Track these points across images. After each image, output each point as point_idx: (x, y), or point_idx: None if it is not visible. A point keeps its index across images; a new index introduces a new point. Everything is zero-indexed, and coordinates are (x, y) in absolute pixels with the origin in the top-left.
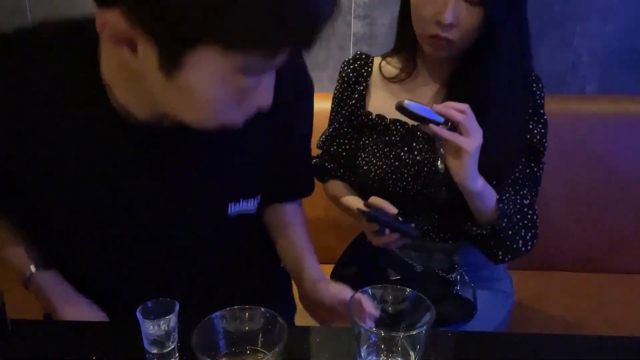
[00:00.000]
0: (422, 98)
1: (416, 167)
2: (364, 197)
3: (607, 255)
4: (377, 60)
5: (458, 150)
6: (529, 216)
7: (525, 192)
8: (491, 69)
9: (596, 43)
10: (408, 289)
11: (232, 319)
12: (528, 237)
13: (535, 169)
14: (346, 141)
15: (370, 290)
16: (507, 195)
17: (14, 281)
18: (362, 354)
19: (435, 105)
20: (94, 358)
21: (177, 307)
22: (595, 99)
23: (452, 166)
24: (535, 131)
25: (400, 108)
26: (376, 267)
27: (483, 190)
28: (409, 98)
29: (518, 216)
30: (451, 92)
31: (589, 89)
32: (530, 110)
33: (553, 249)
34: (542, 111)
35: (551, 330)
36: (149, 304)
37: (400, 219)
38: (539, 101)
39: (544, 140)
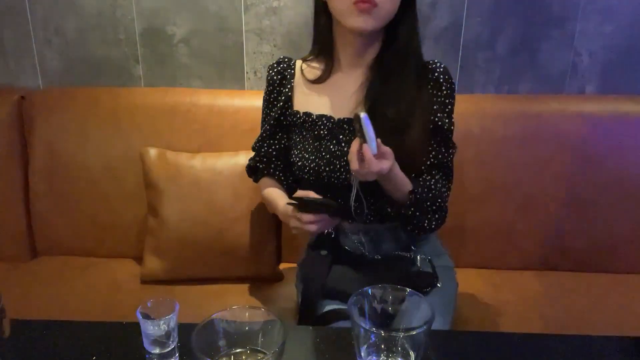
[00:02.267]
0: (344, 92)
1: (345, 158)
2: (302, 188)
3: (607, 255)
4: (298, 62)
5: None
6: (438, 202)
7: (438, 177)
8: (406, 47)
9: (596, 43)
10: (408, 289)
11: (232, 319)
12: (434, 219)
13: (446, 154)
14: (276, 141)
15: (370, 290)
16: (420, 187)
17: (14, 281)
18: (362, 354)
19: (379, 140)
20: (94, 358)
21: (177, 307)
22: (595, 99)
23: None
24: (445, 119)
25: (356, 118)
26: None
27: (394, 187)
28: (327, 98)
29: (428, 202)
30: (369, 87)
31: (589, 89)
32: (437, 102)
33: (553, 249)
34: (449, 106)
35: (551, 330)
36: (149, 304)
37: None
38: (445, 94)
39: (450, 128)
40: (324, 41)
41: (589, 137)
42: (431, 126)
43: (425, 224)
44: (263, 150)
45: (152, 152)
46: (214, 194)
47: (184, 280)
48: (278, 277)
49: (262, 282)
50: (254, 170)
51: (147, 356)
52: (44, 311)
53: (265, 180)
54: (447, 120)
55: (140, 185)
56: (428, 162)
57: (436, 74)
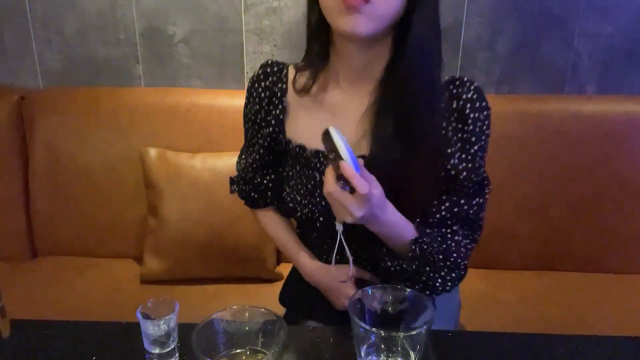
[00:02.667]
0: (345, 121)
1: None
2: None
3: (607, 255)
4: (291, 71)
5: (339, 212)
6: (452, 258)
7: (455, 228)
8: (416, 60)
9: (596, 43)
10: (408, 289)
11: (232, 319)
12: (448, 278)
13: (466, 207)
14: (271, 171)
15: (370, 290)
16: (427, 237)
17: (14, 281)
18: (362, 354)
19: (361, 160)
20: (94, 358)
21: (177, 307)
22: (595, 99)
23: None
24: (462, 165)
25: (325, 135)
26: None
27: (388, 232)
28: (334, 125)
29: (440, 256)
30: (374, 109)
31: (589, 89)
32: (460, 139)
33: (553, 249)
34: (475, 146)
35: (551, 330)
36: (149, 304)
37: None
38: (470, 130)
39: (470, 177)
40: (319, 51)
41: (589, 137)
42: (443, 173)
43: (438, 284)
44: (256, 180)
45: (152, 152)
46: (214, 194)
47: (184, 280)
48: (278, 277)
49: (262, 282)
50: (246, 197)
51: (147, 356)
52: (44, 311)
53: (267, 215)
54: (468, 166)
55: (140, 185)
56: (438, 215)
57: (461, 103)
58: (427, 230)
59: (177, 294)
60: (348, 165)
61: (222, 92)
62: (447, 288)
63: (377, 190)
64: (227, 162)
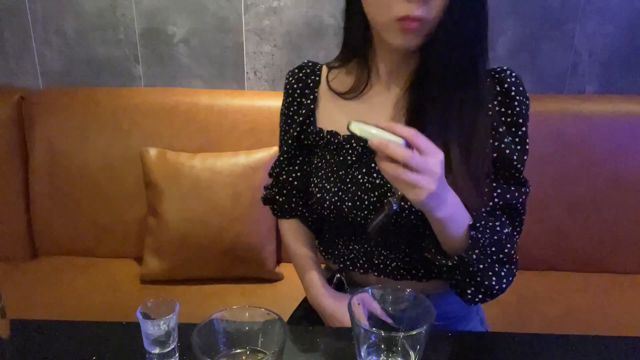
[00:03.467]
0: (380, 109)
1: (377, 192)
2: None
3: (607, 255)
4: (324, 69)
5: (414, 189)
6: (506, 250)
7: (504, 219)
8: (447, 60)
9: (596, 43)
10: (408, 289)
11: (232, 319)
12: (503, 274)
13: (517, 194)
14: (297, 167)
15: (370, 290)
16: (483, 222)
17: (14, 281)
18: (362, 354)
19: (379, 124)
20: (94, 358)
21: (177, 307)
22: (595, 99)
23: (411, 199)
24: (513, 146)
25: (352, 133)
26: None
27: (451, 216)
28: (358, 117)
29: (493, 248)
30: (411, 99)
31: (589, 89)
32: (505, 123)
33: (553, 249)
34: (522, 128)
35: (551, 330)
36: (149, 304)
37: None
38: (517, 112)
39: (522, 159)
40: (357, 45)
41: (589, 137)
42: (495, 155)
43: (494, 282)
44: (282, 177)
45: (152, 152)
46: (214, 194)
47: (184, 280)
48: (278, 277)
49: (262, 282)
50: (272, 202)
51: (147, 356)
52: (44, 311)
53: (292, 224)
54: (518, 148)
55: (140, 185)
56: (490, 203)
57: (506, 86)
58: (477, 216)
59: (177, 294)
60: (396, 144)
61: (222, 92)
62: (504, 286)
63: (440, 153)
64: (227, 162)
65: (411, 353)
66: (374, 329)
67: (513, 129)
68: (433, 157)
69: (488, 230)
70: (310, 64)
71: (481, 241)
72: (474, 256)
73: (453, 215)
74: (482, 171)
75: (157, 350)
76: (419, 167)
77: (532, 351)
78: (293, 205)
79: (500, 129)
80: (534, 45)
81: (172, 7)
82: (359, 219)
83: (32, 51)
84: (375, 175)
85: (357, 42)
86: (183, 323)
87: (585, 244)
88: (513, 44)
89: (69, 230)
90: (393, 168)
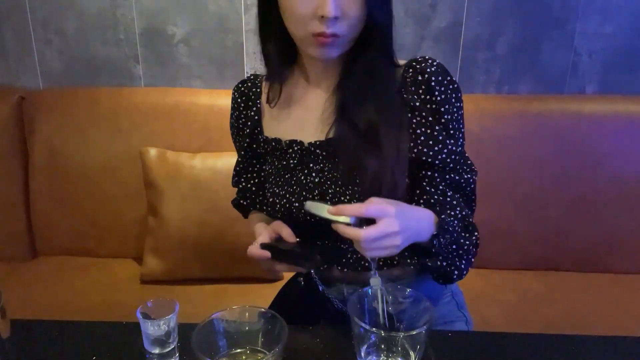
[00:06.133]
0: (314, 109)
1: (318, 190)
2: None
3: (607, 255)
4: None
5: (386, 251)
6: (467, 220)
7: (458, 196)
8: (375, 63)
9: (596, 43)
10: (408, 289)
11: (232, 319)
12: (462, 266)
13: (462, 181)
14: (255, 175)
15: (370, 290)
16: (445, 226)
17: (14, 281)
18: (362, 354)
19: (329, 208)
20: (94, 358)
21: (177, 307)
22: (595, 99)
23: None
24: (444, 132)
25: (306, 210)
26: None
27: (419, 233)
28: (296, 118)
29: (456, 222)
30: (338, 97)
31: (589, 89)
32: (431, 111)
33: (553, 249)
34: (450, 114)
35: (551, 330)
36: (149, 304)
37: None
38: (441, 99)
39: (457, 143)
40: (279, 71)
41: (589, 137)
42: (415, 151)
43: (455, 273)
44: (241, 186)
45: (152, 152)
46: (214, 194)
47: (184, 280)
48: (278, 277)
49: (262, 282)
50: (237, 205)
51: (147, 356)
52: (44, 311)
53: (253, 217)
54: (445, 134)
55: (140, 185)
56: (438, 190)
57: (426, 76)
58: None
59: (177, 294)
60: (346, 225)
61: (222, 92)
62: (464, 273)
63: (386, 203)
64: (227, 162)
65: (411, 353)
66: (374, 329)
67: (437, 116)
68: (387, 219)
69: (449, 211)
70: (252, 77)
71: (444, 219)
72: (452, 239)
73: (421, 231)
74: (404, 144)
75: (157, 350)
76: (379, 235)
77: (532, 351)
78: (257, 207)
79: (424, 113)
80: (534, 45)
81: (172, 7)
82: (308, 217)
83: (32, 51)
84: (314, 175)
85: (279, 67)
86: (183, 323)
87: (585, 244)
88: (513, 44)
89: (69, 230)
90: (360, 247)
